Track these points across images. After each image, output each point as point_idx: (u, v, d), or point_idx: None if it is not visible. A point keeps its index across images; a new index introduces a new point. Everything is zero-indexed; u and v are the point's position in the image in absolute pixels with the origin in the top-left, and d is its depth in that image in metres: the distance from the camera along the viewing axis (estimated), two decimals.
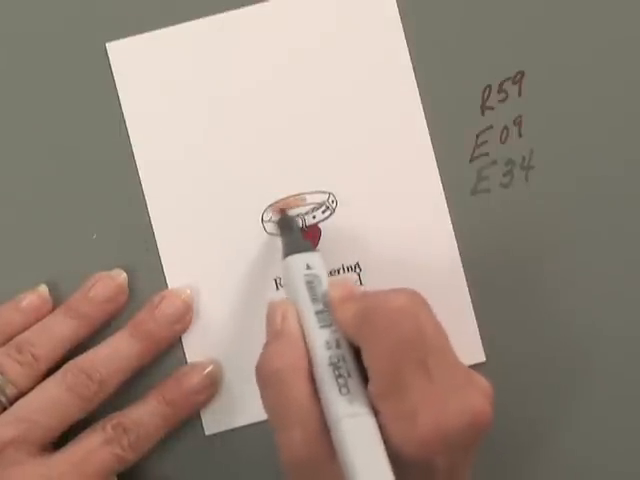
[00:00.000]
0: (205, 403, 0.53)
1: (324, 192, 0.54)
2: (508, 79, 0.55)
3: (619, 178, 0.54)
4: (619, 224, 0.54)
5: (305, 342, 0.45)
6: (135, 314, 0.52)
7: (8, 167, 0.54)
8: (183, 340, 0.53)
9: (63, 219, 0.54)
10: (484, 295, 0.54)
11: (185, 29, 0.54)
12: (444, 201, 0.54)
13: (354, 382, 0.44)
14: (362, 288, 0.53)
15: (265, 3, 0.54)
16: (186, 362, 0.53)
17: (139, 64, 0.54)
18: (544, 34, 0.55)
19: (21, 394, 0.50)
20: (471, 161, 0.54)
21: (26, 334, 0.52)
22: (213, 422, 0.53)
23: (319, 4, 0.55)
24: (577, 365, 0.54)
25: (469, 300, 0.54)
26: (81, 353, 0.51)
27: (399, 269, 0.53)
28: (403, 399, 0.42)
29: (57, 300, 0.53)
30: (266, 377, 0.45)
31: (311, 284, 0.47)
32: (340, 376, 0.44)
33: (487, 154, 0.54)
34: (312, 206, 0.54)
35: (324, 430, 0.43)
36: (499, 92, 0.54)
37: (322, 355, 0.44)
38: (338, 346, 0.45)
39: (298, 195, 0.54)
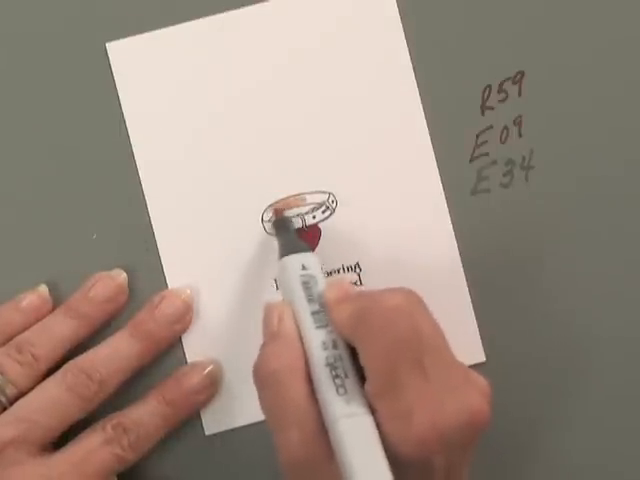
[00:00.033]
0: (205, 403, 0.53)
1: (324, 192, 0.54)
2: (508, 79, 0.54)
3: (619, 178, 0.54)
4: (619, 224, 0.54)
5: (302, 343, 0.45)
6: (135, 314, 0.52)
7: (8, 167, 0.54)
8: (183, 340, 0.53)
9: (63, 219, 0.54)
10: (484, 295, 0.54)
11: (185, 29, 0.54)
12: (444, 201, 0.54)
13: (351, 382, 0.43)
14: (362, 288, 0.53)
15: (265, 3, 0.54)
16: (186, 362, 0.53)
17: (139, 64, 0.54)
18: (544, 34, 0.55)
19: (21, 394, 0.50)
20: (471, 161, 0.54)
21: (26, 334, 0.52)
22: (213, 422, 0.53)
23: (319, 4, 0.55)
24: (577, 365, 0.54)
25: (469, 300, 0.53)
26: (81, 353, 0.51)
27: (399, 269, 0.53)
28: (399, 398, 0.42)
29: (57, 300, 0.53)
30: (263, 378, 0.45)
31: (307, 285, 0.47)
32: (337, 376, 0.44)
33: (487, 154, 0.54)
34: (312, 206, 0.54)
35: (322, 430, 0.43)
36: (499, 92, 0.54)
37: (319, 356, 0.44)
38: (335, 346, 0.45)
39: (298, 195, 0.54)
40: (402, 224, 0.54)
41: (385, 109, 0.54)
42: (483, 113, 0.54)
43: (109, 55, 0.54)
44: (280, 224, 0.53)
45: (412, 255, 0.54)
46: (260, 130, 0.54)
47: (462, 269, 0.54)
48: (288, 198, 0.54)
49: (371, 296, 0.45)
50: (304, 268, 0.48)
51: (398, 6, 0.54)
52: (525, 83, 0.54)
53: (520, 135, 0.54)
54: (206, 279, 0.53)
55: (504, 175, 0.54)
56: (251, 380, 0.46)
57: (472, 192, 0.54)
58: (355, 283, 0.53)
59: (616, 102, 0.54)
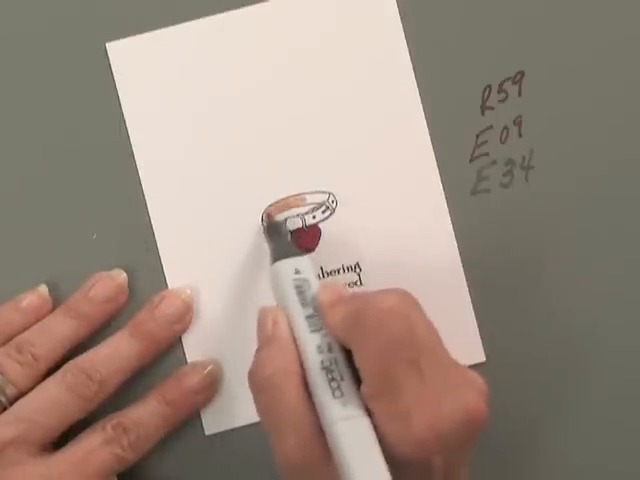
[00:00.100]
0: (205, 403, 0.53)
1: (324, 192, 0.54)
2: (508, 79, 0.54)
3: (619, 178, 0.54)
4: (619, 224, 0.54)
5: (297, 346, 0.45)
6: (135, 314, 0.52)
7: (8, 167, 0.54)
8: (183, 340, 0.53)
9: (63, 219, 0.54)
10: (484, 295, 0.54)
11: (185, 29, 0.54)
12: (444, 201, 0.54)
13: (347, 385, 0.43)
14: (362, 288, 0.53)
15: (265, 3, 0.54)
16: (186, 362, 0.53)
17: (139, 64, 0.54)
18: (544, 34, 0.54)
19: (21, 394, 0.51)
20: (471, 161, 0.54)
21: (26, 334, 0.52)
22: (213, 422, 0.53)
23: (319, 4, 0.55)
24: (577, 365, 0.54)
25: (469, 300, 0.53)
26: (81, 353, 0.51)
27: (399, 269, 0.53)
28: (396, 399, 0.42)
29: (57, 300, 0.53)
30: (259, 382, 0.45)
31: (300, 289, 0.47)
32: (333, 379, 0.43)
33: (487, 154, 0.54)
34: (312, 206, 0.54)
35: (318, 433, 0.43)
36: (499, 92, 0.54)
37: (314, 359, 0.44)
38: (330, 350, 0.45)
39: (298, 195, 0.54)
40: (402, 224, 0.54)
41: (385, 109, 0.54)
42: (483, 113, 0.54)
43: (109, 55, 0.54)
44: (271, 229, 0.53)
45: (412, 255, 0.54)
46: (260, 130, 0.54)
47: (462, 269, 0.54)
48: (288, 198, 0.54)
49: (365, 298, 0.45)
50: (297, 272, 0.47)
51: (398, 6, 0.54)
52: (525, 83, 0.54)
53: (520, 135, 0.54)
54: (206, 279, 0.53)
55: (504, 175, 0.54)
56: None
57: (472, 192, 0.54)
58: (355, 283, 0.54)
59: (616, 102, 0.54)
